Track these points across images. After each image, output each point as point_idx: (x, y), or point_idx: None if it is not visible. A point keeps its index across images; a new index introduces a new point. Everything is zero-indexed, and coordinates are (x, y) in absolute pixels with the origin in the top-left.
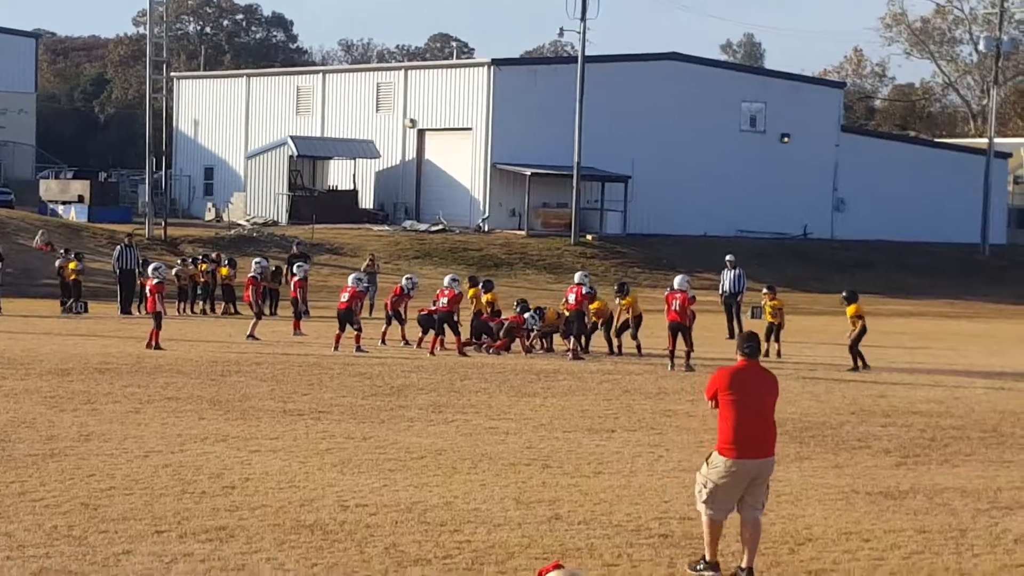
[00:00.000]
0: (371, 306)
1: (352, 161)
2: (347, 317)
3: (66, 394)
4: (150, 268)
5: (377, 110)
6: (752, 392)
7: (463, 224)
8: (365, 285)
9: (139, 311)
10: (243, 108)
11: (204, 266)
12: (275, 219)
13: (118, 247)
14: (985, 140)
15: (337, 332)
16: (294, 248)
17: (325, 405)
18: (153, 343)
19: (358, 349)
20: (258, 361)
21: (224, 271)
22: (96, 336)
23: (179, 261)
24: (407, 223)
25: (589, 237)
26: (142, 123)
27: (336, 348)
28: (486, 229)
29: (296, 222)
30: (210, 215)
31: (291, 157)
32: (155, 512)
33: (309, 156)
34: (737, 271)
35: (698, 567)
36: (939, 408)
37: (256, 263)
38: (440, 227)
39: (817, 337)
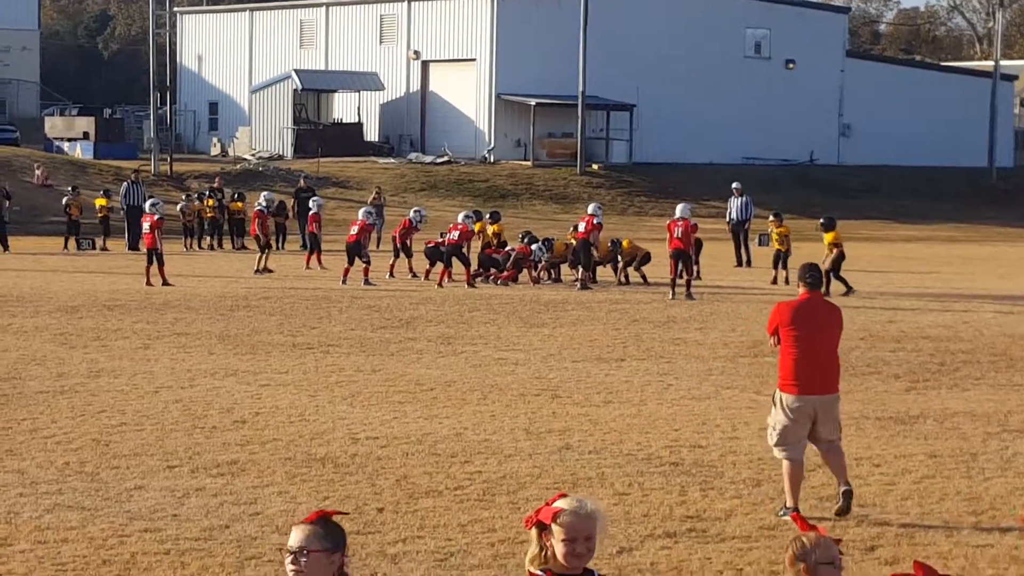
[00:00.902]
0: (378, 239)
1: (356, 94)
2: (355, 250)
3: (75, 331)
4: (147, 204)
5: (381, 42)
6: (815, 325)
7: (468, 156)
8: (374, 219)
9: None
10: (247, 42)
11: (211, 201)
12: (280, 153)
13: (125, 183)
14: (991, 63)
15: (346, 265)
16: (301, 182)
17: (334, 338)
18: (161, 279)
19: (366, 282)
20: (266, 295)
21: (238, 205)
22: (104, 273)
23: (184, 197)
24: (412, 155)
25: (595, 167)
26: (146, 59)
27: (344, 281)
28: (491, 160)
29: (301, 156)
30: (215, 150)
31: (295, 91)
32: (166, 447)
33: (313, 89)
34: (744, 198)
35: (780, 513)
36: (948, 333)
37: (264, 196)
38: (446, 159)
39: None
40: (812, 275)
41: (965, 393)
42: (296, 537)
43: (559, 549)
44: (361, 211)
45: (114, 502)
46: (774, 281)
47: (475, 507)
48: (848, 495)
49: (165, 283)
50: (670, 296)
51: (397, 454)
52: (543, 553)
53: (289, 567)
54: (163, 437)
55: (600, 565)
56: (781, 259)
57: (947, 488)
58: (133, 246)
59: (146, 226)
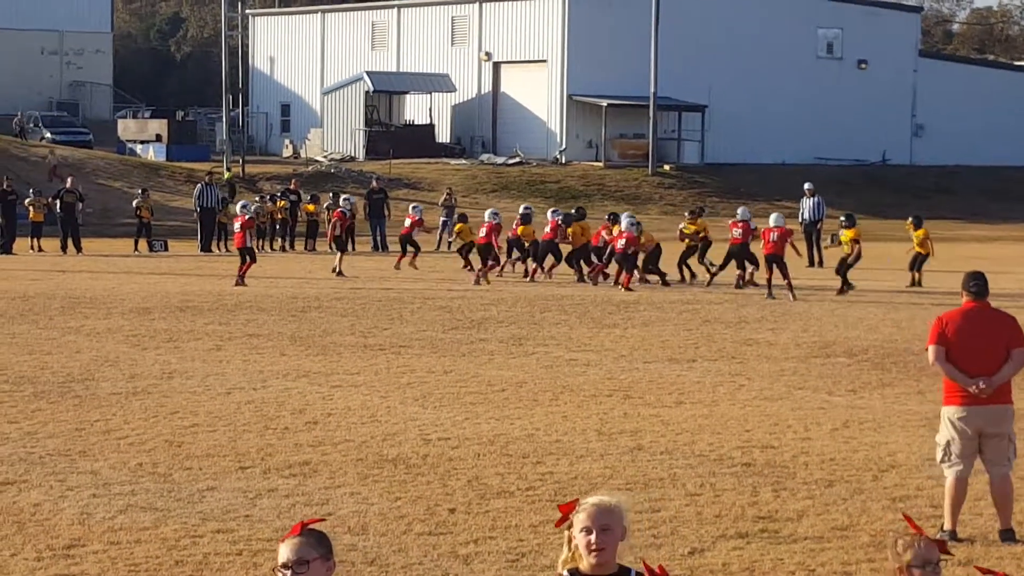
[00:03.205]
0: (449, 241)
1: (428, 95)
2: (487, 251)
3: (148, 333)
4: (239, 205)
5: (452, 43)
6: (978, 335)
7: (540, 156)
8: (500, 220)
9: (219, 248)
10: (318, 44)
11: (282, 203)
12: (352, 155)
13: (198, 185)
14: None
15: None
16: (373, 183)
17: (405, 339)
18: (238, 278)
19: (476, 281)
20: (338, 296)
21: (311, 207)
22: (177, 275)
23: (257, 198)
24: (484, 156)
25: (666, 167)
26: (218, 61)
27: (480, 280)
28: (563, 161)
29: (373, 157)
30: (287, 152)
31: (367, 92)
32: (238, 448)
33: (385, 91)
34: (816, 199)
35: (938, 535)
36: None
37: (344, 199)
38: (517, 160)
39: (898, 263)
40: (976, 283)
41: None
42: (291, 551)
43: (580, 542)
44: (488, 212)
45: (186, 503)
46: (841, 289)
47: (547, 508)
48: (1006, 535)
49: (240, 282)
50: (767, 296)
51: (469, 455)
52: (572, 554)
53: None
54: (235, 438)
55: (671, 566)
56: (845, 265)
57: (1020, 489)
58: (206, 248)
59: (237, 226)
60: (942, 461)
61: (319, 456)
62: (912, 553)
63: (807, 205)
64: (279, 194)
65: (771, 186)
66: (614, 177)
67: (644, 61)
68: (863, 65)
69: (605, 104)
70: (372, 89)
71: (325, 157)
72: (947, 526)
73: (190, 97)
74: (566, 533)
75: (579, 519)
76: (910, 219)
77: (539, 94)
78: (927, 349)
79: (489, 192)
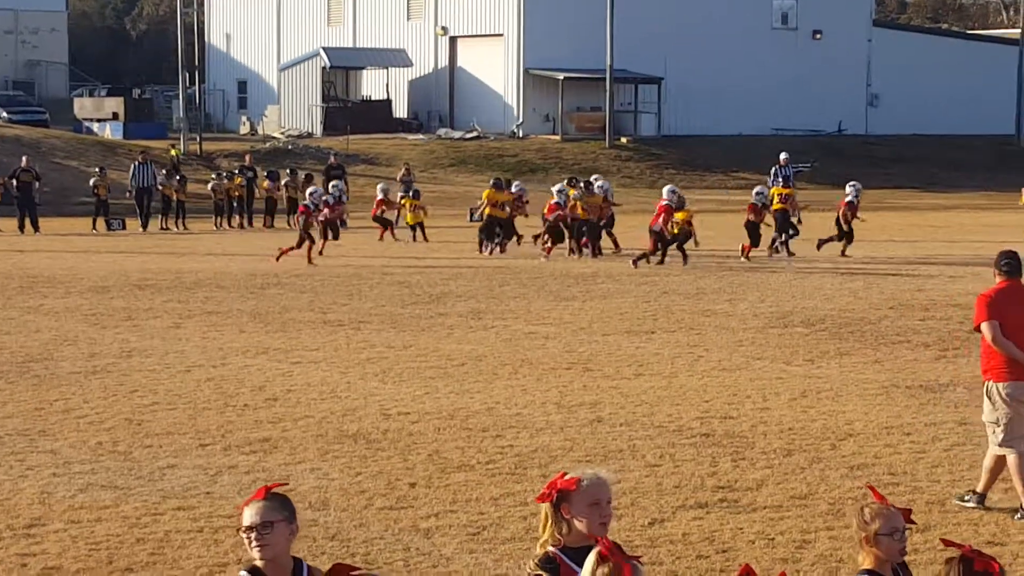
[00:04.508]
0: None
1: (385, 71)
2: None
3: (107, 311)
4: (308, 192)
5: (408, 18)
6: (1021, 312)
7: (497, 131)
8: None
9: (177, 226)
10: (275, 20)
11: (239, 180)
12: (310, 131)
13: (133, 164)
14: (1018, 31)
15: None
16: (331, 159)
17: (365, 315)
18: (282, 252)
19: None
20: (297, 273)
21: (264, 184)
22: (135, 253)
23: (214, 175)
24: (441, 131)
25: (624, 140)
26: (174, 39)
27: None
28: (520, 135)
29: (331, 133)
30: (245, 129)
31: (324, 68)
32: (199, 426)
33: (342, 67)
34: (788, 169)
35: (1017, 516)
36: None
37: (332, 185)
38: (475, 134)
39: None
40: (1008, 262)
41: None
42: (254, 513)
43: (585, 516)
44: (514, 185)
45: (147, 481)
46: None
47: (507, 481)
48: None
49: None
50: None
51: (429, 429)
52: (560, 529)
53: (253, 544)
54: (195, 416)
55: (632, 537)
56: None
57: (977, 456)
58: (145, 226)
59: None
60: (1003, 443)
61: (279, 432)
62: (880, 522)
63: (781, 175)
64: (236, 171)
65: (728, 158)
66: (571, 150)
67: (600, 34)
68: (818, 35)
69: (562, 77)
70: (329, 65)
71: (282, 134)
72: None
73: (146, 75)
74: (547, 510)
75: (587, 493)
76: None
77: (496, 68)
78: (977, 327)
79: (447, 167)
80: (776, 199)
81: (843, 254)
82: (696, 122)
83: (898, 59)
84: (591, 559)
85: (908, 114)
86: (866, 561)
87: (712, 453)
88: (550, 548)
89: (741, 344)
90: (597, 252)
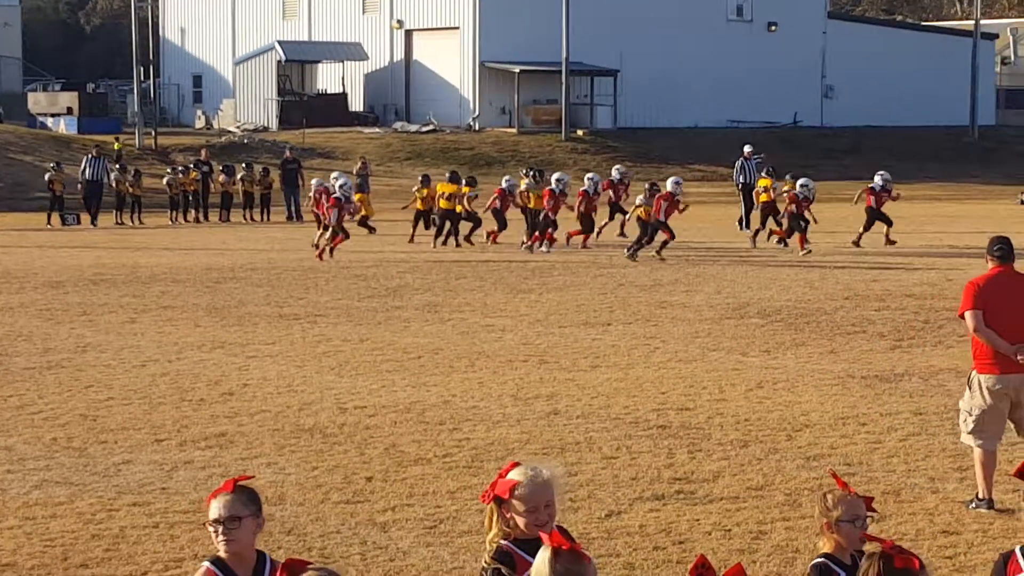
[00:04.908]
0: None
1: (340, 64)
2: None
3: (61, 306)
4: (337, 184)
5: (364, 12)
6: (1011, 299)
7: (454, 124)
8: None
9: (132, 220)
10: (229, 14)
11: (194, 174)
12: (265, 125)
13: (85, 157)
14: (971, 22)
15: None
16: (286, 153)
17: (321, 308)
18: (330, 249)
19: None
20: (253, 267)
21: (220, 179)
22: (90, 248)
23: (169, 170)
24: (398, 125)
25: (580, 132)
26: (128, 33)
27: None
28: (477, 128)
29: (286, 127)
30: (200, 123)
31: (279, 62)
32: (154, 421)
33: (297, 60)
34: (754, 160)
35: (971, 505)
36: (932, 291)
37: (339, 179)
38: (431, 128)
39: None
40: (1001, 248)
41: (949, 350)
42: (222, 507)
43: (521, 521)
44: (554, 177)
45: (102, 477)
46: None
47: (464, 474)
48: None
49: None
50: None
51: (385, 423)
52: (506, 524)
53: (220, 537)
54: (151, 411)
55: (588, 529)
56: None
57: (932, 445)
58: (94, 220)
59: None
60: (972, 432)
61: (235, 427)
62: (842, 508)
63: (747, 167)
64: (191, 165)
65: (684, 150)
66: (528, 143)
67: (556, 27)
68: (773, 27)
69: (518, 70)
70: (284, 59)
71: (238, 128)
72: (982, 494)
73: (101, 69)
74: (491, 505)
75: (521, 499)
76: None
77: (451, 61)
78: (961, 315)
79: (403, 160)
80: (763, 192)
81: (792, 243)
82: (652, 114)
83: (853, 51)
84: (545, 556)
85: (863, 106)
86: (826, 546)
87: (669, 445)
88: (502, 541)
89: (697, 335)
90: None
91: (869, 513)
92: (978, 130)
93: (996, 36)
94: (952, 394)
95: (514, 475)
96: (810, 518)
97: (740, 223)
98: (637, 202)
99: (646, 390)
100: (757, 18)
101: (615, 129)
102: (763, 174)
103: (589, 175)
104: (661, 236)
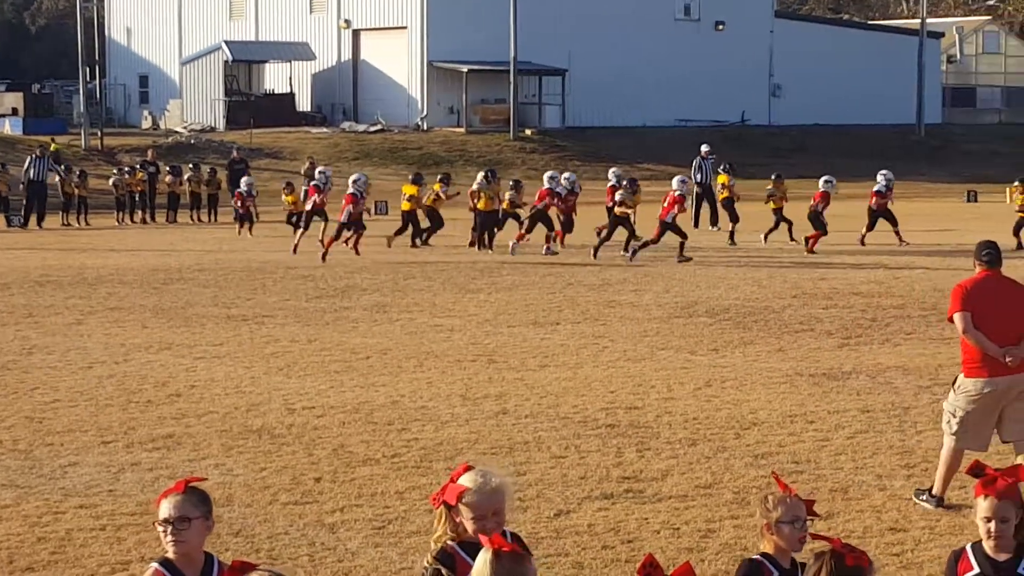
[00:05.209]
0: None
1: (288, 64)
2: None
3: (6, 308)
4: (350, 180)
5: (311, 11)
6: (999, 303)
7: (402, 124)
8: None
9: (78, 221)
10: (176, 14)
11: (141, 175)
12: (212, 125)
13: (28, 158)
14: (917, 21)
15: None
16: (234, 153)
17: (269, 309)
18: (354, 247)
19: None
20: (200, 268)
21: (166, 179)
22: (36, 249)
23: (115, 171)
24: (345, 124)
25: (528, 132)
26: (74, 32)
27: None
28: (425, 128)
29: (234, 127)
30: (147, 123)
31: (226, 62)
32: (100, 423)
33: (244, 60)
34: (710, 160)
35: (921, 497)
36: (880, 288)
37: (355, 180)
38: (379, 127)
39: (758, 224)
40: (988, 252)
41: (897, 348)
42: (172, 507)
43: (469, 527)
44: (564, 176)
45: (48, 479)
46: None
47: (412, 474)
48: None
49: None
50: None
51: (334, 423)
52: (454, 527)
53: (169, 538)
54: (97, 413)
55: (537, 529)
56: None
57: (880, 443)
58: (39, 223)
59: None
60: (954, 434)
61: (183, 428)
62: (782, 510)
63: (704, 166)
64: (138, 166)
65: (633, 149)
66: (476, 143)
67: (504, 26)
68: (720, 26)
69: (466, 70)
70: (231, 59)
71: (185, 128)
72: (936, 490)
73: (46, 69)
74: (441, 508)
75: (469, 507)
76: (1016, 182)
77: (399, 61)
78: (950, 318)
79: (351, 160)
80: (722, 190)
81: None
82: (600, 113)
83: (800, 50)
84: (486, 558)
85: (810, 104)
86: (766, 548)
87: (617, 444)
88: (448, 542)
89: (646, 334)
90: (485, 245)
91: (810, 516)
92: (925, 128)
93: (942, 35)
94: (899, 391)
95: (464, 480)
96: None
97: (695, 222)
98: (617, 198)
99: (595, 389)
100: (705, 17)
101: (563, 128)
102: (721, 171)
103: (566, 175)
104: (658, 237)
